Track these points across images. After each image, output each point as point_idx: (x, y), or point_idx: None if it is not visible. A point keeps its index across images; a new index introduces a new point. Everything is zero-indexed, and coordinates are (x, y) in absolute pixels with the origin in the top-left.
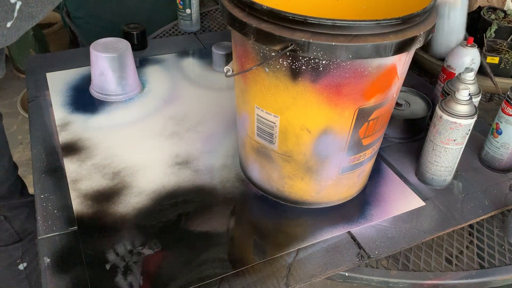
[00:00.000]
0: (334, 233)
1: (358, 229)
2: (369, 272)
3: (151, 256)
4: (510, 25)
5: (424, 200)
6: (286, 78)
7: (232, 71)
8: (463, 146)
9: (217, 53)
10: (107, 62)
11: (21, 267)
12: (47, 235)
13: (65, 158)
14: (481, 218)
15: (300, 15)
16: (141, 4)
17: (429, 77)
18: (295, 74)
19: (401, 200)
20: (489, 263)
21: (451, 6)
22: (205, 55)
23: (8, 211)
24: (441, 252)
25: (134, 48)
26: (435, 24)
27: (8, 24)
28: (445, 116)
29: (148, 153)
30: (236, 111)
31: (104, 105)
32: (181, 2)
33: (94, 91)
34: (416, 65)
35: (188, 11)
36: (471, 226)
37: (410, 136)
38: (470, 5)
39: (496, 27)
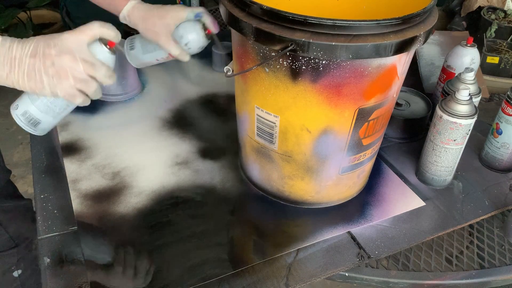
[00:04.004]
0: (334, 233)
1: (358, 229)
2: (369, 272)
3: (151, 256)
4: (510, 25)
5: (424, 200)
6: (286, 78)
7: (232, 71)
8: (463, 146)
9: (217, 53)
10: None
11: (15, 274)
12: (47, 235)
13: (65, 158)
14: (481, 218)
15: (300, 15)
16: None
17: None
18: (295, 74)
19: (401, 200)
20: (489, 263)
21: None
22: (205, 55)
23: (2, 216)
24: (441, 252)
25: None
26: (435, 24)
27: None
28: (445, 116)
29: (148, 153)
30: (236, 111)
31: (104, 105)
32: (181, 2)
33: None
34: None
35: None
36: (471, 226)
37: (410, 136)
38: (470, 5)
39: (496, 27)
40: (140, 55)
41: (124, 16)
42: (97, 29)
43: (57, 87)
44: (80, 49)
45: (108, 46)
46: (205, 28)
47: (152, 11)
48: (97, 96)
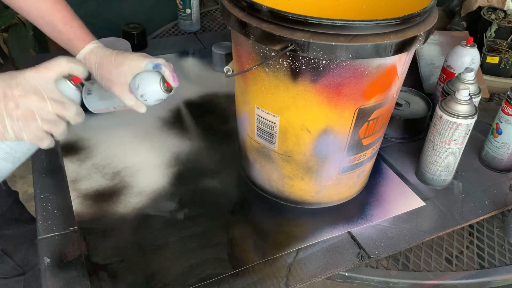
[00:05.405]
0: (334, 233)
1: (358, 229)
2: (369, 272)
3: (151, 256)
4: (510, 25)
5: (424, 200)
6: (286, 78)
7: (232, 71)
8: (463, 146)
9: (217, 53)
10: None
11: None
12: (47, 235)
13: (65, 158)
14: (481, 218)
15: (300, 15)
16: (141, 4)
17: None
18: (295, 74)
19: (401, 200)
20: (489, 263)
21: None
22: (205, 55)
23: (6, 243)
24: (441, 252)
25: (134, 48)
26: (435, 24)
27: None
28: (445, 116)
29: (148, 153)
30: (236, 111)
31: None
32: (181, 2)
33: None
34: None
35: (188, 11)
36: (471, 226)
37: (410, 136)
38: (470, 5)
39: (496, 27)
40: (96, 101)
41: (81, 59)
42: (65, 65)
43: (23, 130)
44: (48, 87)
45: (72, 82)
46: (164, 80)
47: (109, 58)
48: (63, 137)
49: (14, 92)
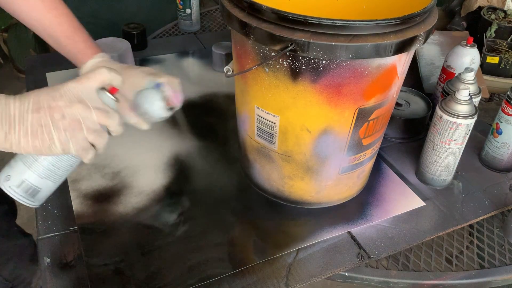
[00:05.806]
0: (334, 233)
1: (358, 229)
2: (369, 272)
3: (151, 256)
4: (510, 25)
5: (424, 200)
6: (286, 78)
7: (232, 71)
8: (463, 146)
9: (217, 53)
10: None
11: None
12: (47, 235)
13: None
14: (481, 218)
15: (300, 15)
16: (141, 4)
17: None
18: (295, 74)
19: (401, 200)
20: (489, 263)
21: None
22: (205, 55)
23: None
24: (441, 252)
25: (134, 48)
26: (435, 24)
27: None
28: (445, 116)
29: (148, 153)
30: (236, 111)
31: None
32: (181, 2)
33: None
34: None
35: (188, 11)
36: (471, 226)
37: (410, 136)
38: (470, 5)
39: (496, 27)
40: None
41: (85, 71)
42: (107, 74)
43: (70, 141)
44: (91, 96)
45: (110, 93)
46: (166, 98)
47: None
48: (103, 150)
49: (59, 103)
